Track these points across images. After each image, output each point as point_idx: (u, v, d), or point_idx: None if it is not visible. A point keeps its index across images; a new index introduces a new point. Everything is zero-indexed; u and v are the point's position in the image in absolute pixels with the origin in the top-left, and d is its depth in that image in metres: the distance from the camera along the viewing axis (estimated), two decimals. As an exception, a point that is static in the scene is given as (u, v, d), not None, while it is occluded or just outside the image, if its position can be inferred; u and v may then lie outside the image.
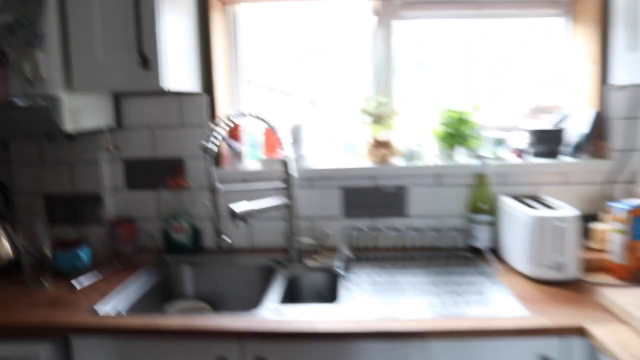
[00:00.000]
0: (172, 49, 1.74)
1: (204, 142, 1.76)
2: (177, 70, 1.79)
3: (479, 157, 1.98)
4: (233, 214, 1.77)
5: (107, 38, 1.67)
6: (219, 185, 1.79)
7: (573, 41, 2.21)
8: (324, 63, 2.34)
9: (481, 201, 1.97)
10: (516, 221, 1.79)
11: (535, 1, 2.16)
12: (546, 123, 2.18)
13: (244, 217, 1.80)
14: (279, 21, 2.30)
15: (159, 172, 2.10)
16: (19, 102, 1.62)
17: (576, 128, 2.09)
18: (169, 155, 2.10)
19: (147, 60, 1.65)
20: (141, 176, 2.12)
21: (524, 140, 2.15)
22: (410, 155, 2.05)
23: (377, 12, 2.16)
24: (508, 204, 1.89)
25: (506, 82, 2.30)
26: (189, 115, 2.08)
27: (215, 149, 1.78)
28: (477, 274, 1.81)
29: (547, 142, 2.07)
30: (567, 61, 2.24)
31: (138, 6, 1.62)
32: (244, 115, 1.84)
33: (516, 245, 1.79)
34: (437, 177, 2.06)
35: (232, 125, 2.08)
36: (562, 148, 2.08)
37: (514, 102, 2.32)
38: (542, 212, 1.72)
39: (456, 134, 1.96)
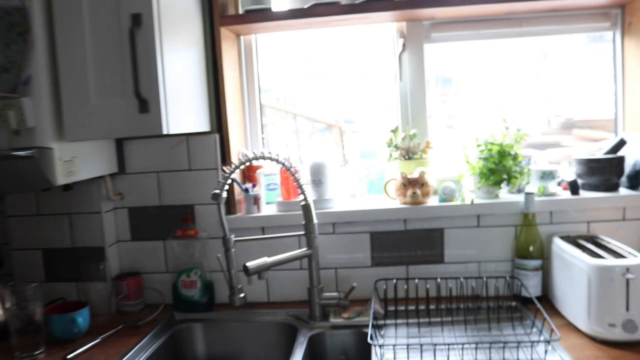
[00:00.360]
0: (175, 88, 1.55)
1: (215, 190, 1.58)
2: (181, 110, 1.61)
3: (524, 193, 1.74)
4: (246, 271, 1.57)
5: (102, 80, 1.49)
6: (232, 237, 1.60)
7: (623, 56, 1.98)
8: (348, 92, 2.14)
9: (529, 244, 1.73)
10: (574, 269, 1.54)
11: (580, 15, 1.95)
12: (597, 150, 1.92)
13: (259, 273, 1.60)
14: (298, 48, 2.12)
15: (166, 221, 1.91)
16: (4, 154, 1.45)
17: (632, 155, 1.84)
18: (177, 202, 1.91)
19: (145, 102, 1.47)
20: (147, 226, 1.93)
21: (572, 171, 1.92)
22: (445, 194, 1.82)
23: (403, 35, 1.96)
24: (562, 247, 1.65)
25: (538, 97, 2.09)
26: (199, 157, 1.89)
27: (226, 194, 1.60)
28: (528, 332, 1.56)
29: (602, 172, 1.82)
30: (614, 78, 2.03)
31: (134, 44, 1.44)
32: (259, 155, 1.65)
33: (574, 298, 1.54)
34: (477, 217, 1.83)
35: (246, 166, 1.89)
36: (619, 179, 1.83)
37: (546, 118, 2.11)
38: (606, 261, 1.47)
39: (498, 169, 1.72)
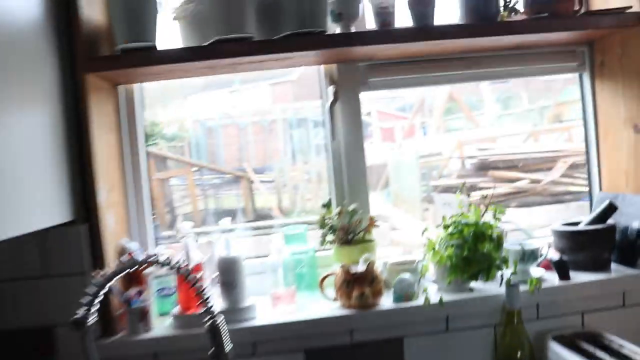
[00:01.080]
0: (5, 165, 1.01)
1: (76, 315, 1.07)
2: (18, 199, 1.06)
3: (507, 286, 1.31)
4: None
5: None
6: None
7: (594, 101, 1.70)
8: (266, 151, 1.73)
9: (516, 349, 1.32)
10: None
11: (545, 53, 1.66)
12: (578, 221, 1.56)
13: None
14: (197, 96, 1.68)
15: (12, 352, 1.33)
16: None
17: (619, 221, 1.51)
18: (28, 323, 1.33)
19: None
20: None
21: (549, 244, 1.54)
22: (402, 290, 1.36)
23: (334, 81, 1.52)
24: (566, 358, 1.23)
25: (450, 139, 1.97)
26: (59, 259, 1.33)
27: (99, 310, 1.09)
28: None
29: (590, 247, 1.48)
30: (584, 125, 1.76)
31: None
32: (144, 259, 1.13)
33: None
34: (445, 319, 1.39)
35: (130, 267, 1.35)
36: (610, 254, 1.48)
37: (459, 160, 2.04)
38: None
39: (476, 258, 1.28)
